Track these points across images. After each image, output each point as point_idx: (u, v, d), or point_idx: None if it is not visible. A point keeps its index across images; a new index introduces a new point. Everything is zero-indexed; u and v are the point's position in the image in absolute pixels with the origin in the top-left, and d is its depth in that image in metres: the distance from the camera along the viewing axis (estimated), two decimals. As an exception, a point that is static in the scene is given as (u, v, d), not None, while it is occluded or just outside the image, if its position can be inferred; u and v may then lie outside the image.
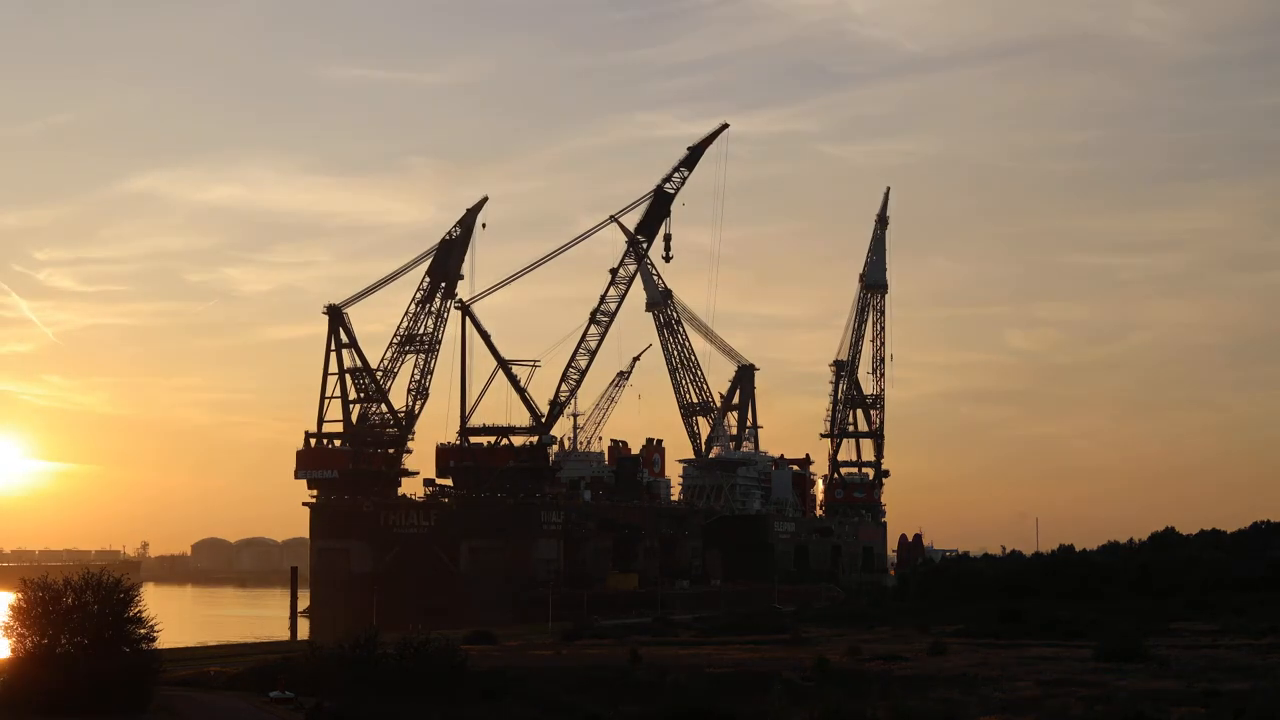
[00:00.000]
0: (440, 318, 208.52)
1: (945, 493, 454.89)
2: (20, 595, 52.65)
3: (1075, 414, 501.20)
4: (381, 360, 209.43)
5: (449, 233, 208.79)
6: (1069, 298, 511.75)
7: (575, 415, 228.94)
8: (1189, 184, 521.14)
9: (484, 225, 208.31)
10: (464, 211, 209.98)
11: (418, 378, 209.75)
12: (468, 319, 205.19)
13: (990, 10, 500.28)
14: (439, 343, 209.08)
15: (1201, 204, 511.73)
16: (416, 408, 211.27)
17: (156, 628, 53.57)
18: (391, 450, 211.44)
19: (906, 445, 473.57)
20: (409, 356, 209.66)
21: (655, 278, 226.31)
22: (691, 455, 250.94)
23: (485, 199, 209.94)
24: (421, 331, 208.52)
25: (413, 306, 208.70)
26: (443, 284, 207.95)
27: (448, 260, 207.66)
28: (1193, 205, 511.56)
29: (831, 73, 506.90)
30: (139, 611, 52.92)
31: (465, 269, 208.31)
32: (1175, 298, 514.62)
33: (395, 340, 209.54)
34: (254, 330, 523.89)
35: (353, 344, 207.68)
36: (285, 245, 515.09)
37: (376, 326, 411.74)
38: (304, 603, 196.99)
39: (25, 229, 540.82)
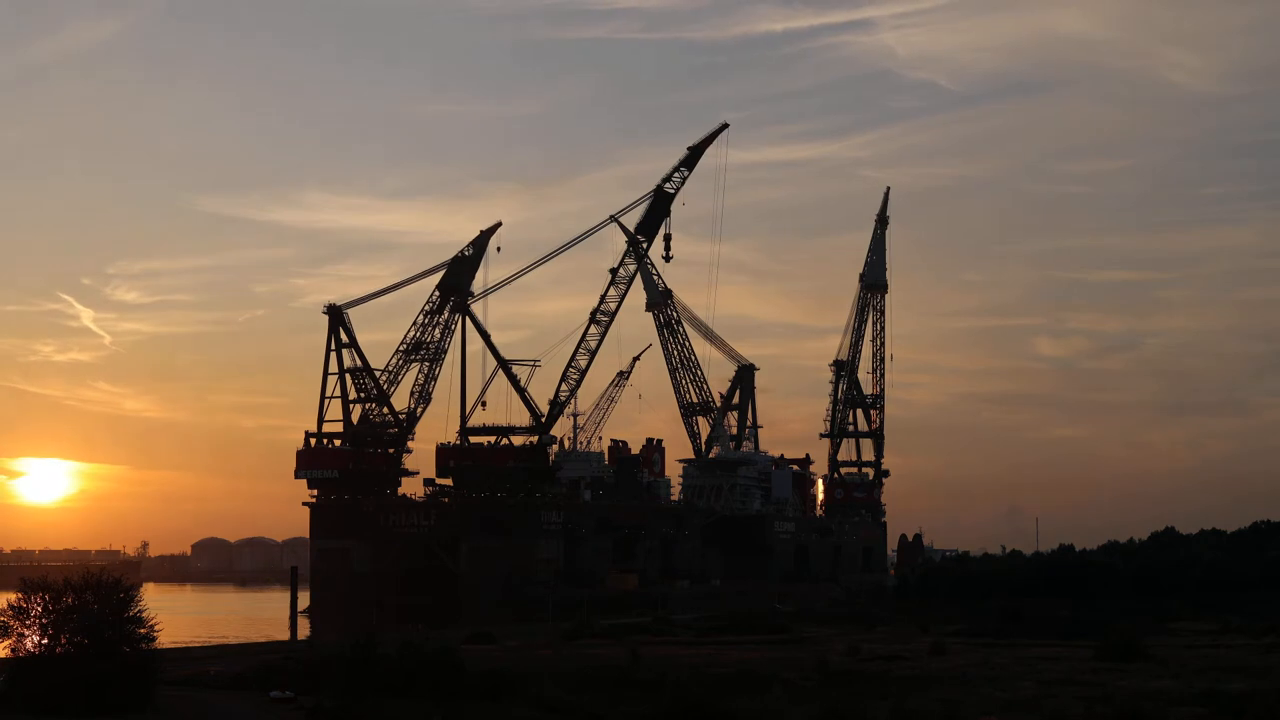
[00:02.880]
0: (448, 329, 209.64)
1: (958, 494, 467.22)
2: (20, 595, 52.61)
3: (1099, 418, 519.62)
4: (387, 366, 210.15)
5: (462, 251, 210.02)
6: (1099, 309, 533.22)
7: (575, 415, 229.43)
8: (1217, 205, 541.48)
9: (499, 249, 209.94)
10: (479, 233, 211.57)
11: (421, 382, 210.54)
12: (468, 319, 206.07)
13: (1021, 54, 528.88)
14: (444, 352, 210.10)
15: (1230, 222, 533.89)
16: (419, 411, 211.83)
17: (156, 628, 53.52)
18: (391, 450, 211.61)
19: (925, 446, 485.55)
20: (414, 364, 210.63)
21: (655, 278, 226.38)
22: (691, 455, 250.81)
23: (499, 224, 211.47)
24: (428, 340, 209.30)
25: (421, 317, 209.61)
26: (452, 299, 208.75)
27: (459, 277, 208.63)
28: (1222, 224, 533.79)
29: (876, 107, 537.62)
30: (139, 611, 52.88)
31: (475, 287, 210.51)
32: (1204, 307, 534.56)
33: (402, 348, 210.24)
34: (307, 337, 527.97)
35: (353, 344, 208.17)
36: (352, 260, 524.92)
37: (384, 334, 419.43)
38: (304, 603, 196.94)
39: (99, 245, 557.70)
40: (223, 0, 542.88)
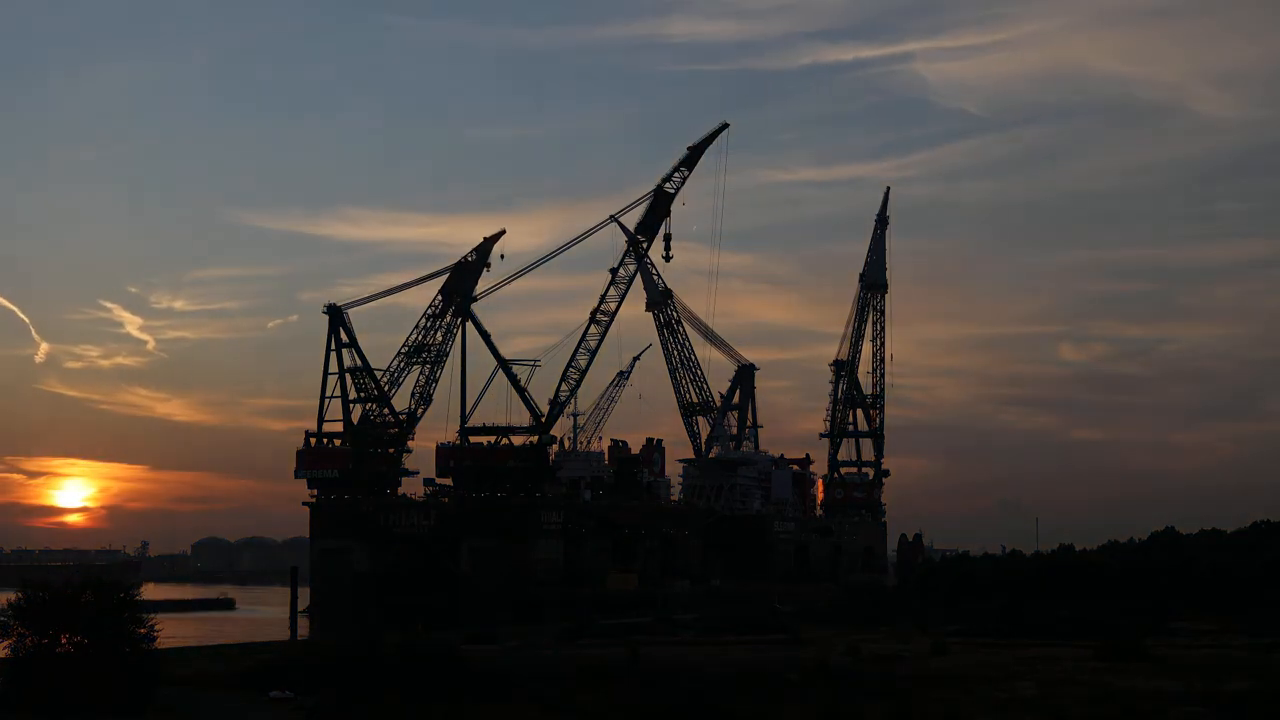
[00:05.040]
0: (449, 333, 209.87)
1: (963, 494, 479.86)
2: (20, 595, 52.58)
3: (1114, 421, 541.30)
4: (389, 367, 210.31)
5: (465, 257, 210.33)
6: (1121, 317, 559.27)
7: (575, 415, 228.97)
8: (1235, 219, 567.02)
9: (502, 256, 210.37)
10: (482, 239, 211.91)
11: (422, 384, 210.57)
12: (470, 324, 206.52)
13: (1048, 83, 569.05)
14: (446, 355, 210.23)
15: (1248, 236, 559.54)
16: (419, 412, 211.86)
17: (156, 628, 53.53)
18: (391, 450, 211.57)
19: (939, 447, 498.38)
20: (415, 366, 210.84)
21: (655, 277, 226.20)
22: (691, 455, 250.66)
23: (503, 232, 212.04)
24: (430, 343, 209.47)
25: (424, 321, 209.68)
26: (455, 302, 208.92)
27: (461, 282, 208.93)
28: (1239, 237, 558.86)
29: (908, 134, 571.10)
30: (139, 611, 52.88)
31: (479, 292, 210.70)
32: (1222, 316, 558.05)
33: (403, 350, 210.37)
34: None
35: (353, 343, 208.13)
36: (403, 269, 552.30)
37: (392, 335, 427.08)
38: (304, 603, 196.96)
39: (147, 256, 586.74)
40: (273, 29, 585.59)
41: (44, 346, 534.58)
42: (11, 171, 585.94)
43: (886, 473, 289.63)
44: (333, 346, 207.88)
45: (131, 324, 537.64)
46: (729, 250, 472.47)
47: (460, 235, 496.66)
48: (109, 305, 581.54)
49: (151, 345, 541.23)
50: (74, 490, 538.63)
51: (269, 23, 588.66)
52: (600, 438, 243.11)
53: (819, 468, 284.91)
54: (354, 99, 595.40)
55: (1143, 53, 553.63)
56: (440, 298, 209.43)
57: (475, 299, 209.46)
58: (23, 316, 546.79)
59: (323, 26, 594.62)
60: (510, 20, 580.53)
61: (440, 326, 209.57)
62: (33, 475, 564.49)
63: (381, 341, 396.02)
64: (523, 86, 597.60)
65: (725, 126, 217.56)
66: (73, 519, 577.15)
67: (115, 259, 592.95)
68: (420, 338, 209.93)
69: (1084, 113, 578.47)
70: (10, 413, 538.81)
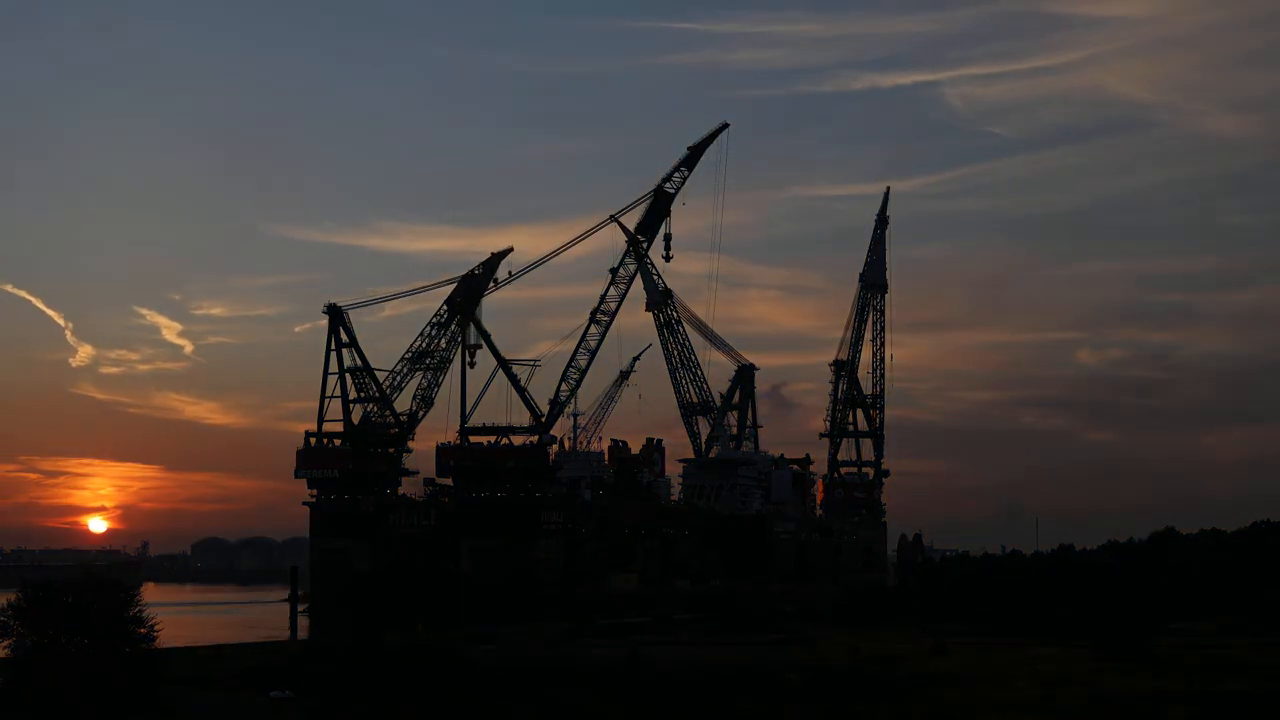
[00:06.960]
0: (454, 342, 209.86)
1: (969, 495, 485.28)
2: (21, 595, 52.56)
3: (1126, 423, 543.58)
4: (394, 369, 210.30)
5: (473, 270, 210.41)
6: (1138, 325, 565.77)
7: (575, 415, 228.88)
8: (1246, 231, 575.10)
9: (510, 273, 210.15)
10: (490, 254, 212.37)
11: (425, 387, 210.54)
12: (473, 329, 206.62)
13: (1072, 108, 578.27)
14: (449, 361, 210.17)
15: (1258, 246, 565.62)
16: (420, 414, 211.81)
17: (157, 628, 53.53)
18: (391, 450, 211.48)
19: (948, 449, 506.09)
20: (419, 371, 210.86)
21: (655, 277, 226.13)
22: (691, 455, 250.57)
23: (510, 249, 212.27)
24: (434, 350, 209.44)
25: (429, 329, 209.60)
26: (459, 314, 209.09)
27: (468, 294, 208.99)
28: (1257, 248, 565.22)
29: (941, 151, 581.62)
30: (139, 611, 52.90)
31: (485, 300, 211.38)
32: (1240, 321, 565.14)
33: (407, 355, 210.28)
34: (369, 346, 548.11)
35: (353, 343, 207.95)
36: (430, 278, 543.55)
37: (390, 339, 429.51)
38: (304, 603, 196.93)
39: (188, 265, 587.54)
40: (314, 54, 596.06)
41: (82, 351, 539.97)
42: (57, 180, 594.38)
43: (886, 473, 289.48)
44: (333, 346, 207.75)
45: (170, 330, 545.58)
46: (768, 262, 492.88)
47: (486, 244, 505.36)
48: (146, 311, 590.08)
49: (190, 350, 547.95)
50: (86, 490, 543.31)
51: (309, 47, 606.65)
52: (600, 438, 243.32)
53: (819, 468, 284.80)
54: (383, 117, 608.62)
55: (1160, 79, 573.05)
56: (446, 308, 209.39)
57: (479, 320, 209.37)
58: (60, 321, 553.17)
59: (357, 52, 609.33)
60: (559, 49, 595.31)
61: (445, 335, 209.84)
62: (49, 475, 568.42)
63: (399, 345, 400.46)
64: (564, 108, 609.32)
65: (725, 126, 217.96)
66: (84, 518, 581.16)
67: (156, 266, 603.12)
68: (424, 345, 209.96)
69: (1104, 134, 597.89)
70: (39, 415, 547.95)
